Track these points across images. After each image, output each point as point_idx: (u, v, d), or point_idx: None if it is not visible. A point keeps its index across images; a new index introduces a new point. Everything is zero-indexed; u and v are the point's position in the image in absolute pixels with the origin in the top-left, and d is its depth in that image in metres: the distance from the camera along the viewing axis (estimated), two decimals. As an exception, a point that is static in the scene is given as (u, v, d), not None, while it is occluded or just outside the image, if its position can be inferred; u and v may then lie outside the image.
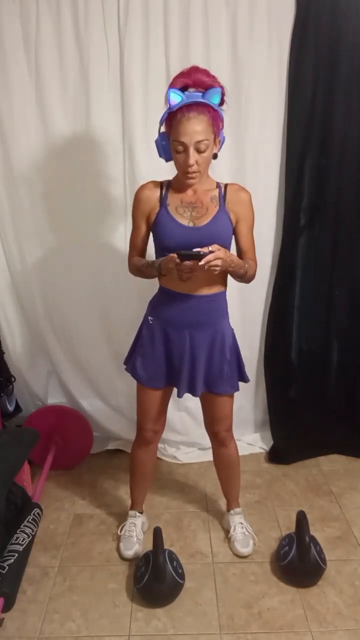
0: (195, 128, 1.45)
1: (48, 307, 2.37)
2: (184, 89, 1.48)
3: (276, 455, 2.49)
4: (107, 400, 2.49)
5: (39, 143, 2.13)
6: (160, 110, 2.11)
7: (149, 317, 1.72)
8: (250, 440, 2.60)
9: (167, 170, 2.10)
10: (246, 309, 2.42)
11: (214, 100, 1.47)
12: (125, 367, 1.82)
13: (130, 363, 1.79)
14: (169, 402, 1.90)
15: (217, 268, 1.46)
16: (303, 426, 2.54)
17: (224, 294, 1.70)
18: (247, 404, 2.59)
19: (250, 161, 2.18)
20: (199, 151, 1.48)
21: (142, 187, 1.66)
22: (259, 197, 2.23)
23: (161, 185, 1.65)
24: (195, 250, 1.43)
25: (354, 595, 1.73)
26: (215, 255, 1.43)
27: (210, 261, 1.42)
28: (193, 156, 1.48)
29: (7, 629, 1.63)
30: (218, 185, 1.65)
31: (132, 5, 1.98)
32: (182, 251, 1.44)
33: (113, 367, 2.42)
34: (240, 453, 2.47)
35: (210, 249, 1.44)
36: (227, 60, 2.06)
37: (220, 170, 2.16)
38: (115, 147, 2.13)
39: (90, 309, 2.37)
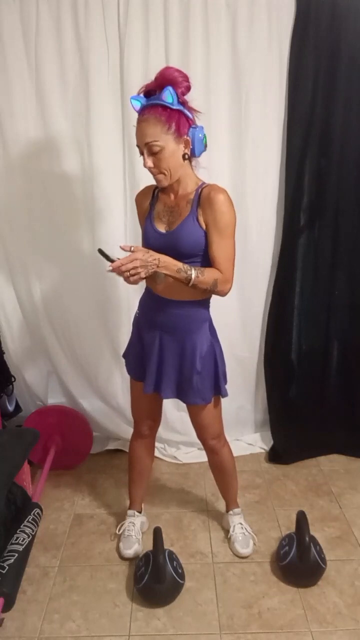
0: (144, 130, 1.44)
1: (48, 307, 2.37)
2: (151, 92, 1.47)
3: (276, 455, 2.49)
4: (107, 400, 2.49)
5: (39, 143, 2.13)
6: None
7: (136, 312, 1.77)
8: (250, 440, 2.61)
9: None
10: (246, 309, 2.42)
11: (167, 99, 1.42)
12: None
13: (124, 352, 1.85)
14: (170, 402, 1.91)
15: (139, 271, 1.37)
16: (303, 426, 2.54)
17: (200, 302, 1.63)
18: (247, 404, 2.60)
19: (250, 161, 2.18)
20: (152, 153, 1.45)
21: (139, 193, 1.72)
22: (259, 197, 2.25)
23: (154, 189, 1.65)
24: (124, 246, 1.39)
25: (354, 595, 1.73)
26: (130, 258, 1.36)
27: (123, 266, 1.35)
28: (147, 159, 1.47)
29: (7, 629, 1.63)
30: (199, 187, 1.55)
31: (132, 5, 1.98)
32: (101, 249, 1.39)
33: (113, 368, 2.42)
34: (240, 453, 2.51)
35: (132, 248, 1.39)
36: (227, 60, 2.06)
37: (221, 171, 2.18)
38: (115, 147, 2.13)
39: (91, 309, 2.36)
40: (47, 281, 2.33)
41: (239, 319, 2.43)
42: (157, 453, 2.52)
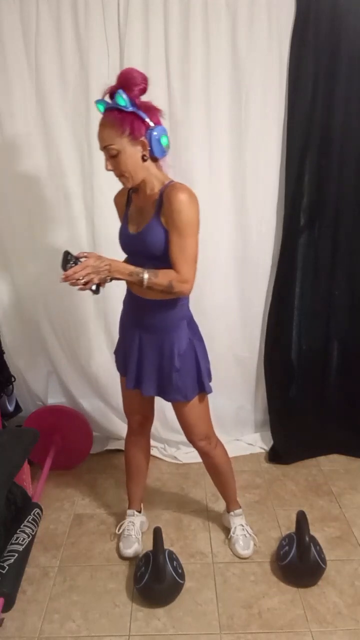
0: (101, 134, 1.46)
1: (48, 307, 2.37)
2: (114, 95, 1.45)
3: (276, 455, 2.49)
4: (107, 400, 2.49)
5: (39, 143, 2.13)
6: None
7: (122, 310, 1.79)
8: (250, 440, 2.61)
9: (166, 170, 2.08)
10: (246, 309, 2.42)
11: (120, 103, 1.40)
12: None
13: (115, 349, 1.87)
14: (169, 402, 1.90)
15: (92, 277, 1.39)
16: (303, 426, 2.54)
17: (176, 300, 1.60)
18: (247, 404, 2.60)
19: (250, 161, 2.18)
20: (111, 156, 1.47)
21: (116, 194, 1.73)
22: (259, 197, 2.25)
23: (130, 190, 1.65)
24: (78, 254, 1.41)
25: (354, 595, 1.73)
26: (82, 265, 1.37)
27: (76, 273, 1.36)
28: (106, 162, 1.49)
29: (7, 629, 1.63)
30: (164, 187, 1.51)
31: (132, 5, 1.98)
32: (68, 251, 1.40)
33: (113, 367, 2.41)
34: (240, 453, 2.52)
35: (85, 254, 1.41)
36: (227, 61, 2.06)
37: (221, 171, 2.18)
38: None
39: (90, 308, 2.37)
40: (47, 281, 2.33)
41: (239, 319, 2.43)
42: (157, 453, 2.53)
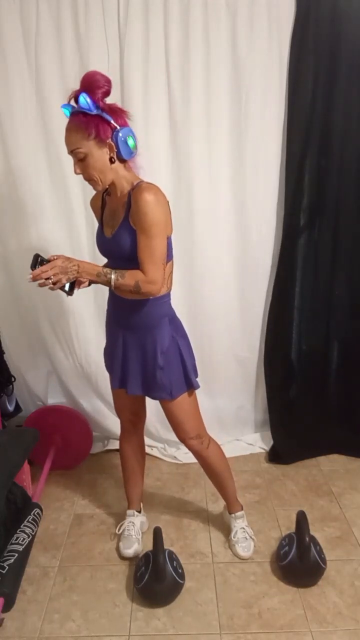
0: (67, 139, 1.46)
1: (48, 307, 2.37)
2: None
3: (276, 455, 2.49)
4: (107, 400, 2.49)
5: (39, 143, 2.13)
6: (160, 110, 2.12)
7: (107, 309, 1.78)
8: (250, 440, 2.61)
9: (166, 170, 2.09)
10: (246, 309, 2.42)
11: (83, 106, 1.40)
12: None
13: (104, 349, 1.85)
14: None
15: (60, 277, 1.41)
16: (303, 426, 2.54)
17: (158, 299, 1.60)
18: (247, 404, 2.60)
19: (250, 161, 2.18)
20: (79, 160, 1.47)
21: (91, 198, 1.73)
22: (259, 197, 2.25)
23: (104, 193, 1.65)
24: (49, 257, 1.42)
25: (354, 595, 1.73)
26: (50, 265, 1.39)
27: (44, 273, 1.38)
28: (75, 166, 1.48)
29: (7, 629, 1.63)
30: (132, 188, 1.51)
31: (132, 5, 1.98)
32: (38, 254, 1.41)
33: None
34: (240, 453, 2.52)
35: (54, 257, 1.43)
36: (227, 60, 2.06)
37: (221, 171, 2.18)
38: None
39: (90, 308, 2.37)
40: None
41: (239, 319, 2.43)
42: (157, 453, 2.53)
